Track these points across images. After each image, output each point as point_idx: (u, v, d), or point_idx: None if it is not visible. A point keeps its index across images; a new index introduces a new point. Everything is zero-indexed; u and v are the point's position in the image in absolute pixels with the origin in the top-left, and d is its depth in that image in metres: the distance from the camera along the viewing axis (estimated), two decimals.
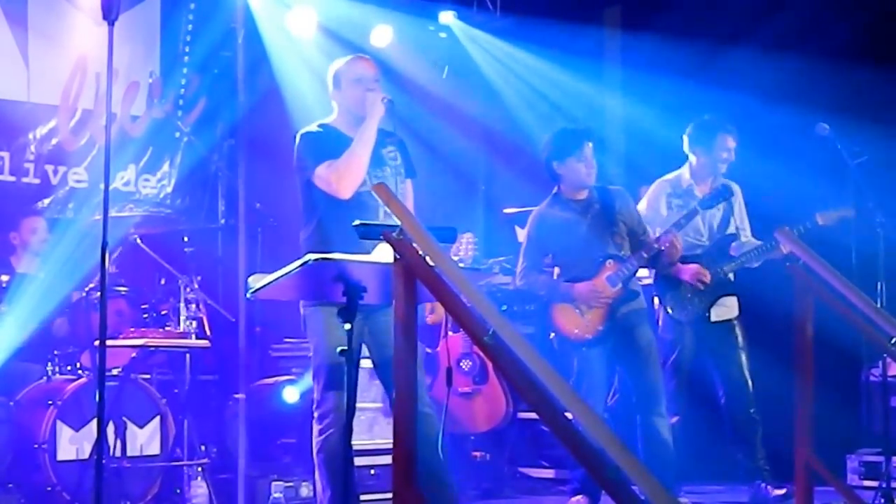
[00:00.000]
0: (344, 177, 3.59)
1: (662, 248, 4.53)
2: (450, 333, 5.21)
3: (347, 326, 2.96)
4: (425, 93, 6.47)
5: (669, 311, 4.93)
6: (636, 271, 4.62)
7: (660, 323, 4.99)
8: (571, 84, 6.45)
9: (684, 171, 5.01)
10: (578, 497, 4.68)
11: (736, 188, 5.04)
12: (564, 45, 6.33)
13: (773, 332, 4.63)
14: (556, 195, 4.70)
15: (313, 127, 3.76)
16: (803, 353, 3.65)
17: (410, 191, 3.84)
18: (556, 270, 4.73)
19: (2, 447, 4.38)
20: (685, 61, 5.87)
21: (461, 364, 5.44)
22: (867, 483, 5.25)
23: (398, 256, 2.50)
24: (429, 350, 5.52)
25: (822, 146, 4.83)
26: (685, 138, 5.01)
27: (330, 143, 3.67)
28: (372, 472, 5.02)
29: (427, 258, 2.48)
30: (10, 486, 4.39)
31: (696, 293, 4.88)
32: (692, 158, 4.99)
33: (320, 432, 3.57)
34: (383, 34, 6.38)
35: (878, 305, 4.38)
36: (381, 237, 2.55)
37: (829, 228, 4.77)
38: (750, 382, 4.90)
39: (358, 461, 4.85)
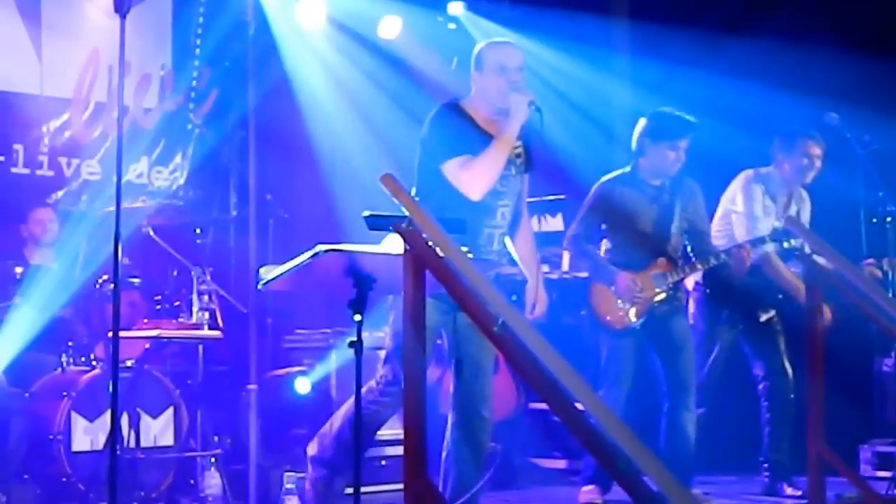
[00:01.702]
0: (477, 181, 3.50)
1: (731, 262, 4.48)
2: None
3: (358, 318, 2.97)
4: (434, 84, 6.45)
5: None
6: (684, 279, 4.55)
7: (691, 311, 4.95)
8: (579, 73, 6.43)
9: (773, 172, 4.92)
10: (590, 487, 4.68)
11: (805, 195, 4.99)
12: (572, 34, 6.31)
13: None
14: (633, 173, 4.59)
15: (449, 106, 3.65)
16: (813, 343, 3.65)
17: (525, 185, 3.79)
18: (605, 243, 4.64)
19: (17, 438, 4.41)
20: (694, 50, 5.85)
21: None
22: (880, 473, 5.24)
23: (408, 247, 2.51)
24: (439, 341, 5.51)
25: (832, 135, 4.82)
26: (773, 147, 4.94)
27: (463, 134, 3.58)
28: (383, 462, 5.03)
29: (437, 249, 2.49)
30: (26, 477, 4.42)
31: (752, 296, 4.83)
32: (775, 165, 4.93)
33: (380, 396, 3.59)
34: (392, 25, 6.37)
35: (889, 295, 4.38)
36: (391, 228, 2.57)
37: (838, 218, 4.77)
38: (789, 370, 4.91)
39: (368, 451, 4.87)
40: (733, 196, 4.93)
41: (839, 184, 4.85)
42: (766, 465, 4.97)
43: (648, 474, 2.00)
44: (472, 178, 3.51)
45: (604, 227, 4.61)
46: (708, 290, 4.91)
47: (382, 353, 3.77)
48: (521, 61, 3.67)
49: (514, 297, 3.80)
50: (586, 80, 6.39)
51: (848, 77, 5.49)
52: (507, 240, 3.78)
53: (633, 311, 4.48)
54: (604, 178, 4.64)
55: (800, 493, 4.71)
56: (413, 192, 3.63)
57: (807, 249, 4.11)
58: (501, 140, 3.54)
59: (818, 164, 4.85)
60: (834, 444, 3.74)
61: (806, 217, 4.98)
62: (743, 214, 4.85)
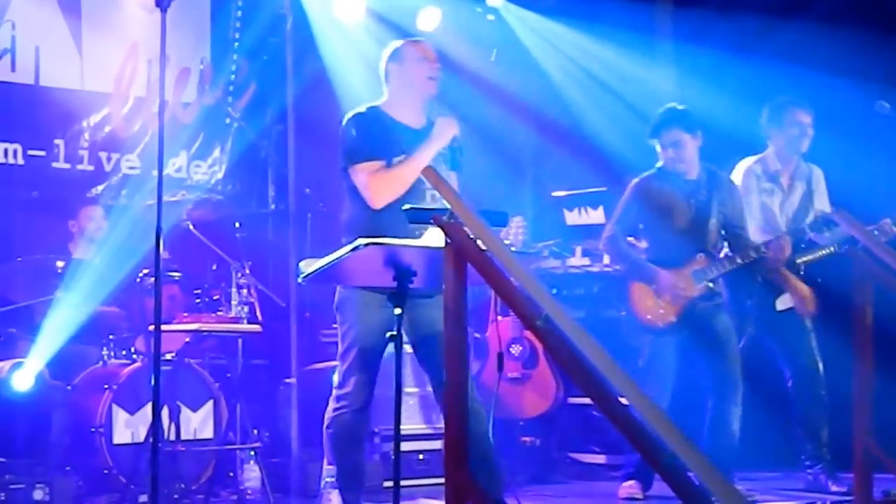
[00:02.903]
0: (384, 192, 3.53)
1: (770, 254, 4.43)
2: (498, 318, 5.19)
3: (398, 311, 2.95)
4: (473, 75, 6.42)
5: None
6: (724, 273, 4.51)
7: None
8: (622, 62, 6.36)
9: (769, 154, 4.90)
10: (630, 482, 4.64)
11: (818, 172, 4.93)
12: (614, 21, 6.24)
13: (837, 318, 4.54)
14: (663, 168, 4.58)
15: (362, 109, 3.70)
16: (863, 338, 3.59)
17: (454, 183, 3.75)
18: (643, 243, 4.62)
19: (59, 431, 4.45)
20: (739, 35, 5.75)
21: (511, 349, 5.42)
22: None
23: (449, 241, 2.48)
24: (477, 335, 5.50)
25: (882, 124, 4.72)
26: (762, 123, 4.90)
27: (380, 133, 3.61)
28: (420, 457, 5.02)
29: (478, 242, 2.46)
30: (68, 468, 4.46)
31: (766, 279, 4.78)
32: (770, 143, 4.89)
33: (334, 410, 3.61)
34: (431, 17, 6.35)
35: None
36: (432, 221, 2.54)
37: (889, 208, 4.67)
38: (820, 366, 4.81)
39: (406, 446, 4.86)
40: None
41: (890, 173, 4.75)
42: (807, 463, 4.89)
43: (693, 469, 1.96)
44: (380, 188, 3.53)
45: (641, 226, 4.58)
46: (728, 289, 4.84)
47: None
48: (436, 57, 3.72)
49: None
50: (629, 69, 6.32)
51: None
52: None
53: (672, 310, 4.45)
54: (638, 178, 4.63)
55: (844, 489, 4.63)
56: (346, 204, 3.68)
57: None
58: (417, 158, 3.53)
59: (810, 131, 4.81)
60: (882, 440, 3.67)
61: (821, 192, 4.89)
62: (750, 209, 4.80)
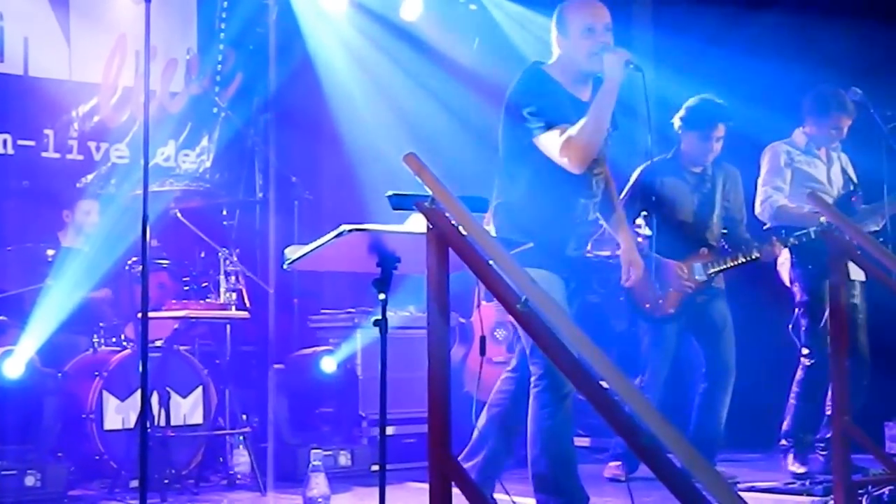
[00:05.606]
0: (580, 154, 3.30)
1: (763, 253, 4.44)
2: (483, 303, 5.25)
3: (382, 296, 3.00)
4: (455, 65, 6.45)
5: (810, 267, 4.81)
6: (726, 269, 4.51)
7: (790, 275, 4.78)
8: None
9: (796, 136, 4.86)
10: (616, 463, 4.72)
11: (845, 156, 4.89)
12: None
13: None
14: (674, 159, 4.59)
15: (536, 71, 3.47)
16: (838, 319, 3.64)
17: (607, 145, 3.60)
18: (645, 230, 4.64)
19: (51, 417, 4.49)
20: (717, 27, 5.79)
21: (495, 333, 5.48)
22: None
23: (431, 226, 2.53)
24: (462, 320, 5.56)
25: (855, 111, 4.78)
26: (804, 105, 4.85)
27: (555, 100, 3.38)
28: (410, 440, 5.08)
29: (460, 227, 2.51)
30: (60, 454, 4.50)
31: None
32: (804, 127, 4.85)
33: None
34: (413, 7, 6.37)
35: None
36: (414, 207, 2.58)
37: (864, 196, 4.73)
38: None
39: (393, 430, 4.93)
40: (761, 168, 4.85)
41: (862, 159, 4.81)
42: (790, 443, 4.94)
43: (674, 452, 2.00)
44: (576, 150, 3.30)
45: (644, 214, 4.61)
46: (810, 266, 4.73)
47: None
48: (609, 20, 3.46)
49: (572, 285, 3.68)
50: None
51: (872, 52, 5.44)
52: None
53: (672, 299, 4.50)
54: (645, 165, 4.62)
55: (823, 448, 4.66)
56: (502, 167, 3.51)
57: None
58: (601, 108, 3.32)
59: (844, 134, 4.82)
60: (859, 420, 3.73)
61: (851, 172, 4.90)
62: (766, 172, 4.75)
